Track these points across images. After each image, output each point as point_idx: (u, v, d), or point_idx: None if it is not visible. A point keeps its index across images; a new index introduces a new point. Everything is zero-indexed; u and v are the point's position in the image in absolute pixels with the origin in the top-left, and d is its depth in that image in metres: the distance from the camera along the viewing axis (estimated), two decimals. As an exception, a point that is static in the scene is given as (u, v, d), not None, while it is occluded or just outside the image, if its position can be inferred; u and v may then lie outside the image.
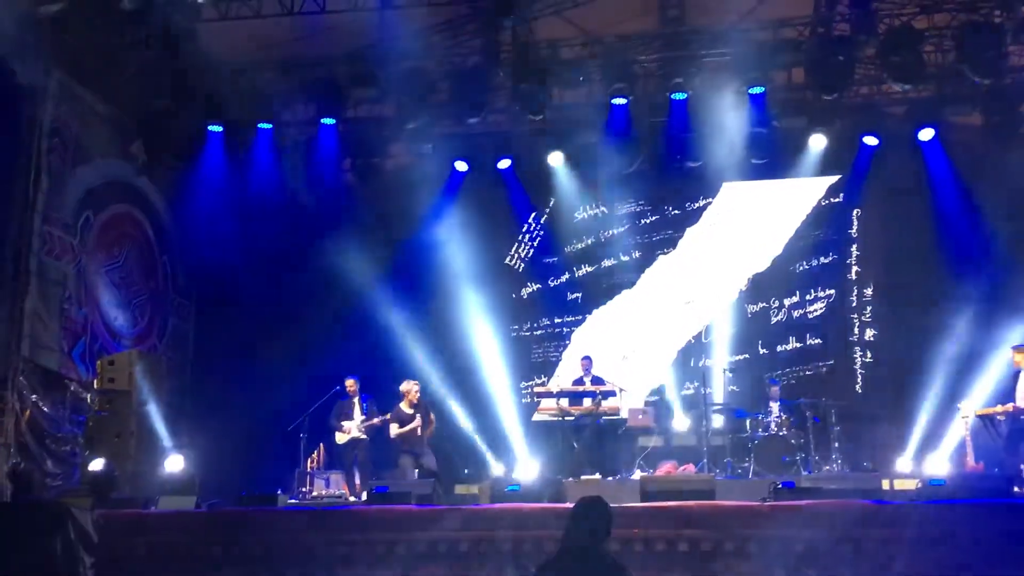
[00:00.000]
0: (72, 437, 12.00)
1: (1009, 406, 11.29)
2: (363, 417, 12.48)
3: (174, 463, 12.03)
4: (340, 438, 12.54)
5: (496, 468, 13.88)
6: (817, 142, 14.03)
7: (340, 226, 13.89)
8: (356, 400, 12.63)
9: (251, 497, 10.04)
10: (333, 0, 11.87)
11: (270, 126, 13.47)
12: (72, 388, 12.09)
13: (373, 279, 14.20)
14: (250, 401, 13.56)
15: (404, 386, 12.59)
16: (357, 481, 12.49)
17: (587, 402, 12.81)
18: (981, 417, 11.55)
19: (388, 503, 9.68)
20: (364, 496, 11.00)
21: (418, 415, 12.51)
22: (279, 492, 10.81)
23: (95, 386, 12.46)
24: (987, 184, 13.55)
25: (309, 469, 12.96)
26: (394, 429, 12.38)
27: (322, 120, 13.42)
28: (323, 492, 12.09)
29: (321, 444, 13.16)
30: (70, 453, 11.94)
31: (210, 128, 13.33)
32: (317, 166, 13.78)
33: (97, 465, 10.70)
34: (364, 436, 12.48)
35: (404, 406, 12.49)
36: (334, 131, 13.50)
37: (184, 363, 14.63)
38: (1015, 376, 11.42)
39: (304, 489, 12.31)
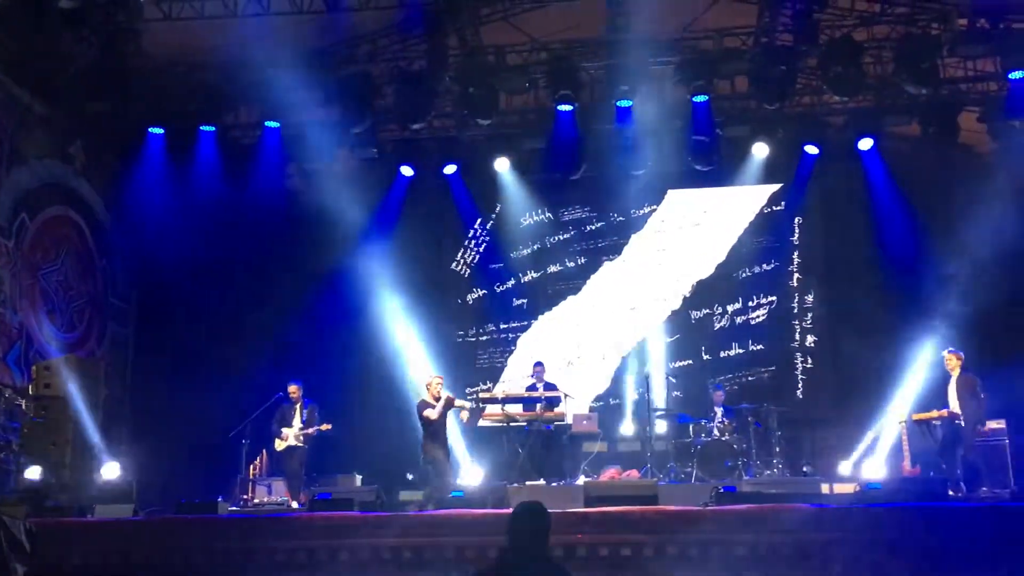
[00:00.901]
0: (6, 444, 11.69)
1: (944, 411, 11.52)
2: (301, 425, 12.30)
3: (111, 470, 11.80)
4: (278, 445, 12.36)
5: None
6: (760, 151, 14.22)
7: (284, 231, 13.77)
8: (298, 406, 12.49)
9: (190, 505, 9.89)
10: (277, 2, 11.72)
11: (213, 129, 13.27)
12: (7, 394, 11.81)
13: (317, 284, 14.07)
14: (191, 407, 13.35)
15: (426, 380, 12.26)
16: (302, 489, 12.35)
17: (534, 408, 12.80)
18: (917, 422, 11.78)
19: (330, 510, 9.59)
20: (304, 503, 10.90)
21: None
22: (219, 499, 10.67)
23: (30, 392, 12.18)
24: (924, 193, 13.84)
25: (251, 476, 12.80)
26: (434, 413, 11.84)
27: (266, 123, 13.27)
28: (265, 499, 11.95)
29: (264, 451, 13.01)
30: (4, 460, 11.63)
31: (151, 130, 13.12)
32: (261, 170, 13.62)
33: (32, 473, 10.48)
34: (301, 444, 12.30)
35: (428, 399, 12.16)
36: (278, 134, 13.35)
37: (123, 368, 14.38)
38: (949, 379, 11.67)
39: (245, 496, 12.15)
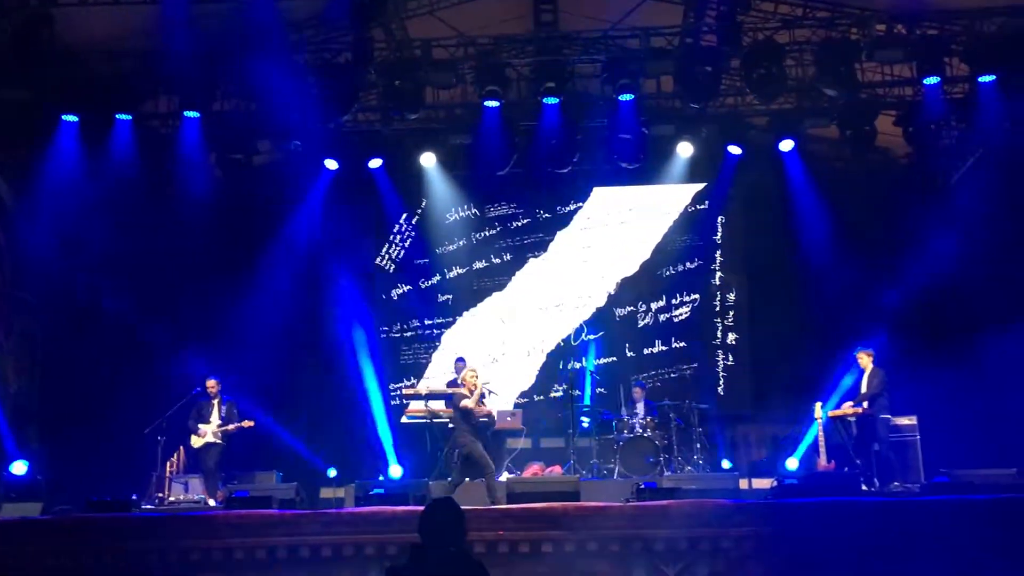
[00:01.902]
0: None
1: (859, 408, 11.80)
2: (219, 421, 12.07)
3: (19, 468, 11.42)
4: (195, 442, 12.11)
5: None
6: (684, 150, 14.36)
7: (203, 223, 13.43)
8: (216, 402, 12.24)
9: (102, 503, 9.66)
10: (199, -11, 11.48)
11: (129, 117, 12.91)
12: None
13: (237, 278, 13.81)
14: (105, 403, 13.03)
15: (462, 374, 12.00)
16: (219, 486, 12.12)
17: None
18: (833, 418, 12.04)
19: (248, 508, 9.45)
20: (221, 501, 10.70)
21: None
22: (133, 498, 10.45)
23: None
24: (842, 193, 14.12)
25: (168, 474, 12.53)
26: (470, 403, 11.47)
27: (185, 113, 12.96)
28: (181, 497, 11.71)
29: (181, 447, 12.74)
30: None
31: (65, 118, 12.72)
32: (180, 161, 13.30)
33: (-65, 471, 10.11)
34: (219, 441, 12.06)
35: (464, 391, 11.89)
36: (198, 125, 13.05)
37: (32, 364, 13.90)
38: (862, 375, 11.97)
39: (161, 494, 11.88)
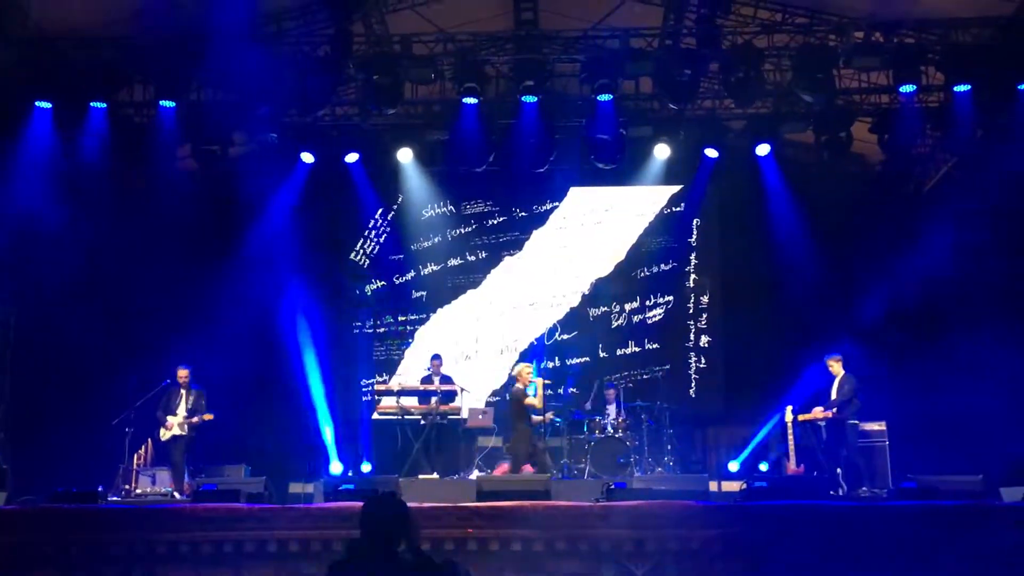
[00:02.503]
0: None
1: (829, 412, 11.89)
2: (185, 413, 11.95)
3: (-16, 457, 11.30)
4: (163, 434, 12.01)
5: (334, 466, 13.65)
6: (661, 152, 14.38)
7: (176, 213, 13.31)
8: (184, 392, 12.12)
9: (68, 494, 9.55)
10: (177, -23, 11.36)
11: (104, 106, 12.78)
12: None
13: (211, 270, 13.70)
14: (74, 392, 12.91)
15: (515, 370, 11.99)
16: (186, 478, 12.03)
17: (430, 401, 12.74)
18: (803, 422, 12.11)
19: (215, 501, 9.38)
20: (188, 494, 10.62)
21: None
22: (100, 489, 10.35)
23: None
24: (818, 199, 14.20)
25: (135, 466, 12.43)
26: (537, 401, 11.84)
27: (161, 102, 12.84)
28: (148, 490, 11.61)
29: (149, 439, 12.63)
30: None
31: (38, 104, 12.57)
32: (155, 150, 13.16)
33: None
34: (184, 433, 11.95)
35: (519, 386, 11.99)
36: (173, 114, 12.93)
37: (2, 351, 13.74)
38: (832, 381, 12.05)
39: (128, 486, 11.77)
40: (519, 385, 11.86)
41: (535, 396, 11.79)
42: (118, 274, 13.45)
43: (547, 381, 12.29)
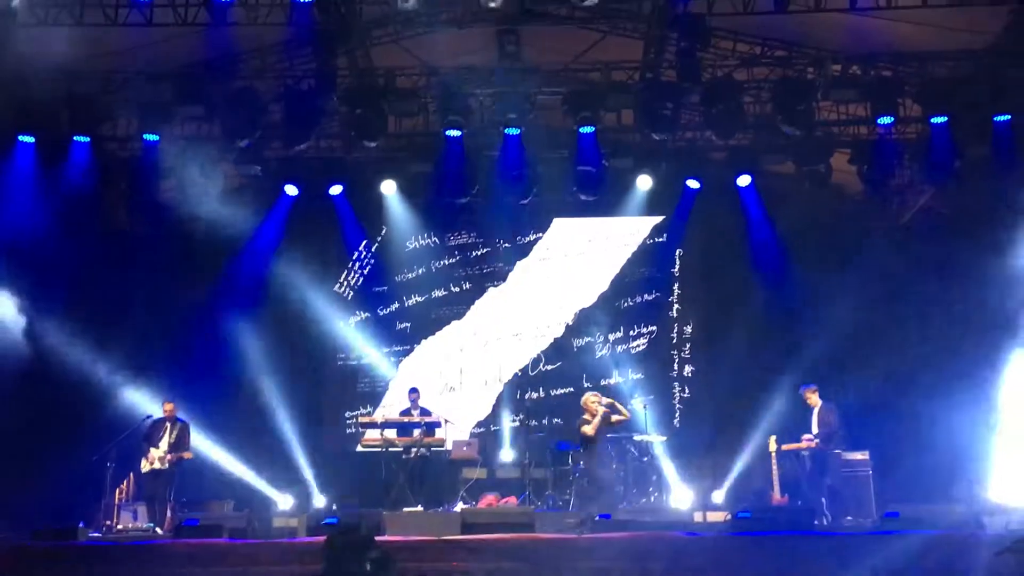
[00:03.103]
0: None
1: (813, 442, 11.91)
2: (167, 448, 11.84)
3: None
4: (144, 466, 11.88)
5: (318, 500, 13.57)
6: (643, 183, 14.50)
7: (160, 247, 13.32)
8: (168, 426, 12.03)
9: (48, 531, 9.44)
10: (160, 12, 11.40)
11: (88, 140, 12.79)
12: None
13: (194, 303, 13.68)
14: (55, 427, 12.80)
15: (583, 399, 11.72)
16: (168, 514, 11.91)
17: (413, 433, 12.71)
18: (787, 452, 12.13)
19: (197, 537, 9.30)
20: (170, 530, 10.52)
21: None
22: (80, 525, 10.24)
23: None
24: (798, 230, 14.31)
25: (117, 501, 12.29)
26: (590, 428, 11.26)
27: (145, 136, 12.86)
28: (129, 525, 11.48)
29: (131, 474, 12.51)
30: None
31: (21, 138, 12.57)
32: (138, 184, 13.18)
33: None
34: (165, 468, 11.84)
35: (587, 416, 11.56)
36: (157, 148, 12.95)
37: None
38: (812, 412, 12.09)
39: (109, 522, 11.65)
40: (585, 417, 11.42)
41: (590, 425, 11.40)
42: (101, 308, 13.40)
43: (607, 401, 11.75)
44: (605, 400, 11.31)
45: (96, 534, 10.88)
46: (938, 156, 12.80)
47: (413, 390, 13.39)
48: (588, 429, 11.12)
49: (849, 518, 11.47)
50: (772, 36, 12.78)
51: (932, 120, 12.55)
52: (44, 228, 12.59)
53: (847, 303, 13.48)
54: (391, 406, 14.80)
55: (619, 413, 11.43)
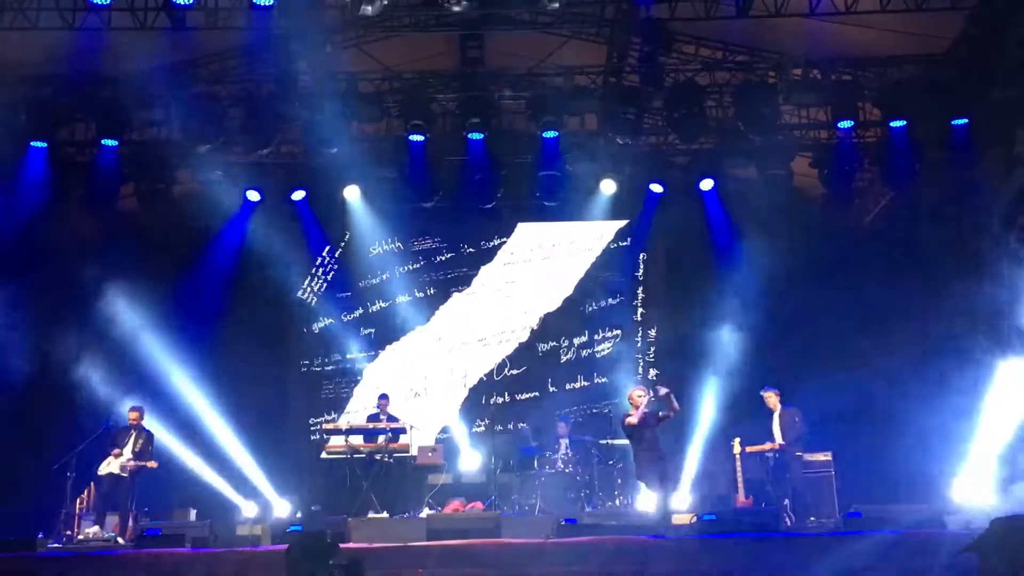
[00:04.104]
0: None
1: (775, 444, 12.00)
2: (130, 455, 11.66)
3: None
4: (102, 468, 11.66)
5: (282, 507, 13.45)
6: (607, 187, 14.53)
7: (119, 253, 13.12)
8: (133, 432, 11.83)
9: (5, 543, 9.27)
10: (118, 16, 11.25)
11: (45, 144, 12.59)
12: None
13: (154, 310, 13.50)
14: (13, 437, 12.59)
15: (629, 393, 11.30)
16: (130, 523, 11.72)
17: (378, 439, 12.64)
18: (751, 454, 12.20)
19: (159, 547, 9.18)
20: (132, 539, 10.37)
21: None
22: (40, 536, 10.08)
23: None
24: (761, 233, 14.37)
25: (78, 510, 12.10)
26: (632, 418, 10.85)
27: (103, 141, 12.69)
28: (90, 534, 11.29)
29: (92, 483, 12.32)
30: None
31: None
32: (95, 189, 13.01)
33: None
34: (124, 475, 11.65)
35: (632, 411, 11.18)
36: (116, 153, 12.79)
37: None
38: (772, 415, 12.18)
39: (69, 532, 11.46)
40: (630, 411, 11.06)
41: (632, 416, 11.21)
42: (58, 315, 13.20)
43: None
44: (662, 391, 11.05)
45: (56, 544, 10.70)
46: (897, 159, 12.97)
47: (383, 396, 13.33)
48: (629, 419, 10.95)
49: (812, 519, 11.56)
50: (734, 41, 12.88)
51: (891, 124, 12.69)
52: (2, 234, 12.41)
53: (810, 306, 13.59)
54: (356, 412, 14.72)
55: (671, 408, 11.21)
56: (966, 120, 12.37)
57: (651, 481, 10.82)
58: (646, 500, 13.00)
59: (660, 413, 10.96)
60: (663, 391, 10.81)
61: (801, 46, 12.61)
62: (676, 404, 10.94)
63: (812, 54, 12.67)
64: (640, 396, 11.18)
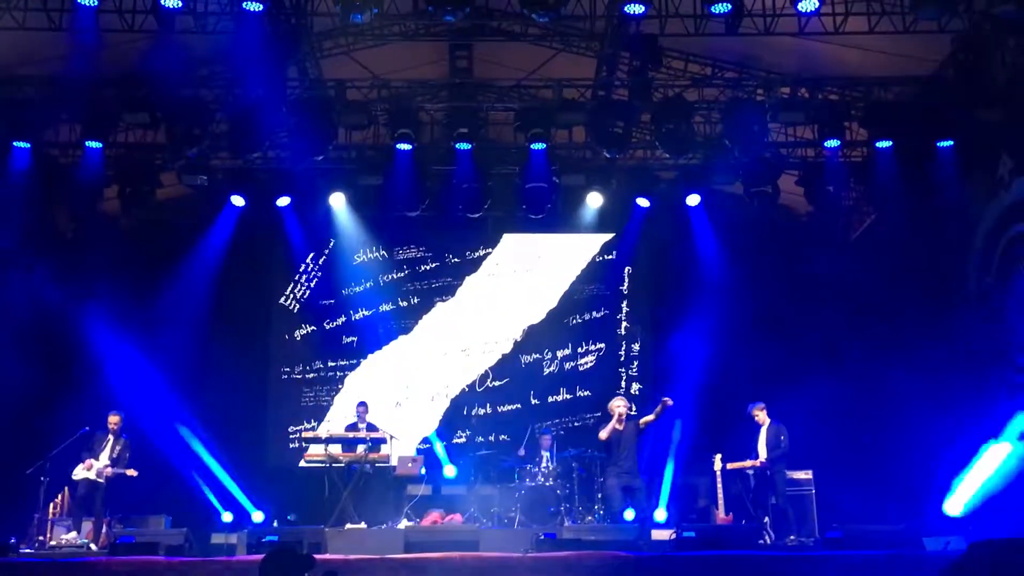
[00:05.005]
0: None
1: (756, 460, 11.99)
2: (107, 461, 11.55)
3: None
4: (76, 473, 11.55)
5: (256, 516, 13.34)
6: (594, 200, 14.51)
7: (99, 257, 13.02)
8: (111, 439, 11.73)
9: (-24, 548, 9.16)
10: (106, 18, 11.17)
11: (28, 145, 12.48)
12: None
13: (135, 314, 13.40)
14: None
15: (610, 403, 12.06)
16: (104, 529, 11.61)
17: (357, 448, 12.56)
18: (732, 471, 12.19)
19: (133, 554, 9.08)
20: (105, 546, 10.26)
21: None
22: (12, 541, 9.96)
23: None
24: (747, 250, 14.42)
25: (51, 516, 11.97)
26: (601, 432, 11.86)
27: (87, 143, 12.59)
28: (63, 540, 11.18)
29: (66, 488, 12.20)
30: None
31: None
32: (78, 192, 12.90)
33: None
34: (100, 480, 11.54)
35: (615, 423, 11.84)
36: (100, 155, 12.69)
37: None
38: (759, 430, 12.18)
39: (42, 538, 11.33)
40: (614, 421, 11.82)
41: (603, 430, 11.81)
42: (34, 319, 13.06)
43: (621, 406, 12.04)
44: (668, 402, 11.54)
45: (28, 550, 10.58)
46: (882, 179, 12.99)
47: (361, 404, 13.25)
48: (600, 433, 11.24)
49: (792, 537, 11.54)
50: (723, 58, 12.91)
51: (877, 144, 12.73)
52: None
53: (795, 323, 13.60)
54: (336, 420, 14.64)
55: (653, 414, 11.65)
56: (951, 142, 12.41)
57: (613, 497, 11.02)
58: (626, 516, 13.00)
59: (641, 421, 11.24)
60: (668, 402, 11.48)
61: (789, 65, 12.65)
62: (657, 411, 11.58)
63: (800, 73, 12.71)
64: (618, 406, 11.37)
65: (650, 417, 11.82)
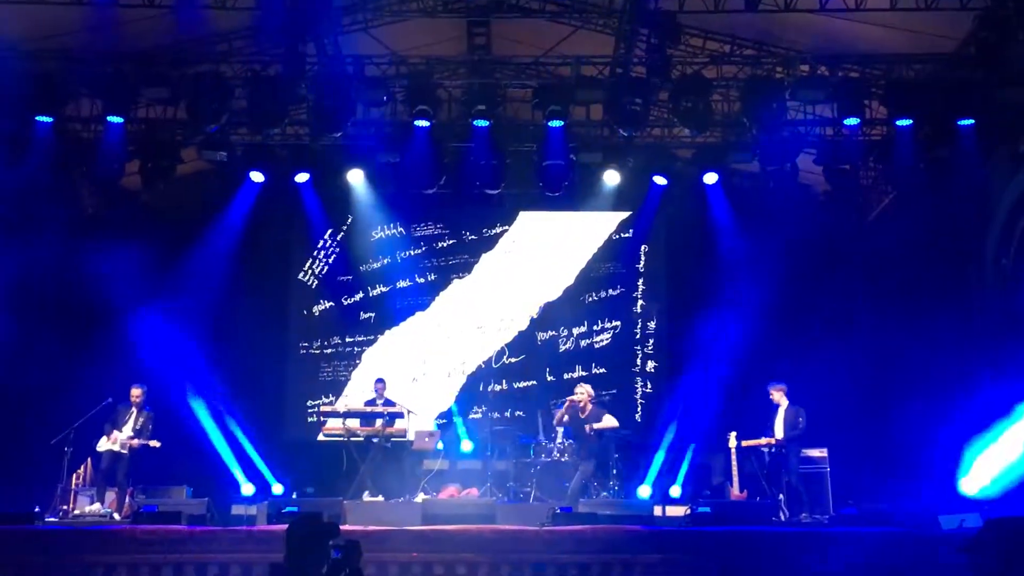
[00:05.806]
0: None
1: (771, 439, 12.03)
2: (131, 432, 11.72)
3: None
4: (101, 444, 11.72)
5: (276, 488, 13.49)
6: (611, 178, 14.48)
7: (122, 230, 13.13)
8: (134, 411, 11.89)
9: (3, 515, 9.33)
10: (128, -8, 11.22)
11: (50, 120, 12.57)
12: None
13: (157, 288, 13.52)
14: (10, 411, 12.62)
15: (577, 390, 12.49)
16: (127, 499, 11.78)
17: (375, 423, 12.68)
18: (747, 448, 12.24)
19: (156, 523, 9.23)
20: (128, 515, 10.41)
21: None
22: (36, 510, 10.13)
23: None
24: (763, 228, 14.39)
25: (74, 486, 12.16)
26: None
27: (108, 118, 12.67)
28: (87, 510, 11.35)
29: (89, 459, 12.38)
30: None
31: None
32: (100, 166, 13.00)
33: None
34: (124, 452, 11.71)
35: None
36: (121, 130, 12.77)
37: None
38: (775, 410, 12.20)
39: (66, 507, 11.52)
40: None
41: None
42: (57, 291, 13.22)
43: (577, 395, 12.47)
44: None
45: (53, 519, 10.76)
46: (902, 158, 12.93)
47: (379, 380, 13.34)
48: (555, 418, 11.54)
49: (806, 515, 11.59)
50: (742, 35, 12.83)
51: (897, 123, 12.66)
52: (3, 208, 12.39)
53: (812, 302, 13.59)
54: (353, 395, 14.74)
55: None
56: (972, 120, 12.34)
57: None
58: (641, 491, 13.12)
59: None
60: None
61: (809, 42, 12.56)
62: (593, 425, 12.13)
63: (820, 50, 12.63)
64: (579, 393, 11.75)
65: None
